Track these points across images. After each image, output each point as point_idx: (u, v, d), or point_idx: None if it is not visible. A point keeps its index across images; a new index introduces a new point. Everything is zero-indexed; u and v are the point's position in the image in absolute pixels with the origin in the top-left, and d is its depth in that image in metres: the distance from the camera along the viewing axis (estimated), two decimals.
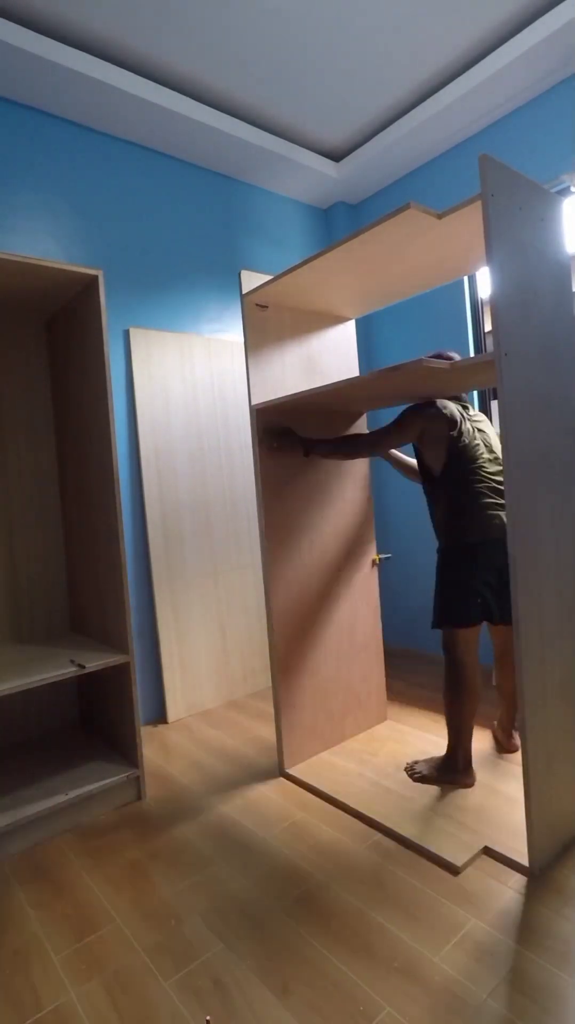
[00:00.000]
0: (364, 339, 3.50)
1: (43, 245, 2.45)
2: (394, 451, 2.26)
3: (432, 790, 1.90)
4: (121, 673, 2.04)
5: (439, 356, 1.88)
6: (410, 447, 2.00)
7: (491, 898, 1.44)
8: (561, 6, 2.19)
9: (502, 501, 1.82)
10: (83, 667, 1.87)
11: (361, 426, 2.40)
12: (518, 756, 2.07)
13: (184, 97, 2.55)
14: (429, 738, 2.29)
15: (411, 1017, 1.14)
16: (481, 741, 2.26)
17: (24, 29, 2.13)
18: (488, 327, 3.05)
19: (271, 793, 2.00)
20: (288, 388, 2.16)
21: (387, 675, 3.09)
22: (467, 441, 1.86)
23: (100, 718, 2.27)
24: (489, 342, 3.05)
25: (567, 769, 1.59)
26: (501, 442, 1.48)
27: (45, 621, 2.38)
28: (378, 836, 1.72)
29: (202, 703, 2.79)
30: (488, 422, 2.01)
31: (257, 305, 2.08)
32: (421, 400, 1.98)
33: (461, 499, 1.86)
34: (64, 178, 2.52)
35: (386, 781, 1.98)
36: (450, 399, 1.97)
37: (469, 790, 1.88)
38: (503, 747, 2.13)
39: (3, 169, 2.36)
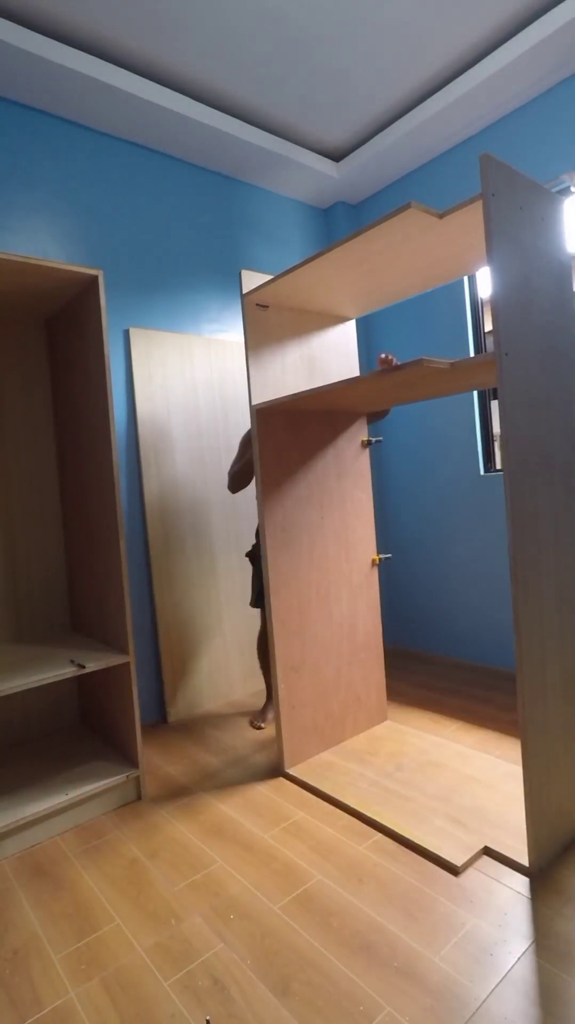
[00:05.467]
0: (364, 339, 3.50)
1: (43, 245, 2.45)
2: None
3: (432, 790, 1.90)
4: (121, 673, 2.04)
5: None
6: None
7: (491, 898, 1.44)
8: (561, 6, 2.19)
9: None
10: (83, 667, 1.87)
11: (361, 426, 2.40)
12: (518, 755, 2.07)
13: (184, 97, 2.55)
14: (429, 738, 2.29)
15: (411, 1017, 1.14)
16: (484, 741, 2.26)
17: (24, 29, 2.13)
18: (488, 327, 3.05)
19: (271, 793, 2.00)
20: (289, 388, 2.16)
21: (387, 675, 3.09)
22: None
23: (100, 718, 2.27)
24: (489, 342, 3.05)
25: (567, 769, 1.59)
26: (502, 442, 1.48)
27: (45, 621, 2.38)
28: (378, 836, 1.72)
29: (202, 703, 2.79)
30: None
31: (258, 305, 2.08)
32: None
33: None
34: (64, 178, 2.51)
35: (386, 781, 1.98)
36: None
37: (469, 790, 1.88)
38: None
39: (3, 169, 2.36)
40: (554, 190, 2.56)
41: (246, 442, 2.48)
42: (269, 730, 2.49)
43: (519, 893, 1.45)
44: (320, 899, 1.48)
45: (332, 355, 2.33)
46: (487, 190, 1.40)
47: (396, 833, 1.70)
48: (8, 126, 2.38)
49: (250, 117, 2.74)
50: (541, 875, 1.50)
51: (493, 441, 3.06)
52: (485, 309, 3.02)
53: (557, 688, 1.56)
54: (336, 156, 3.12)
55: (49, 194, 2.47)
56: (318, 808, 1.89)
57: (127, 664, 1.99)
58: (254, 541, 2.62)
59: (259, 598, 2.52)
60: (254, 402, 2.06)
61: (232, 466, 2.48)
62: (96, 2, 2.06)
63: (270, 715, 2.59)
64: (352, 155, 3.07)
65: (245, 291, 2.05)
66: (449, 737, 2.31)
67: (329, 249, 1.72)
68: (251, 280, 2.07)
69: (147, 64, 2.37)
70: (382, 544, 3.52)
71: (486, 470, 3.03)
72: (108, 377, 1.96)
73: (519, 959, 1.26)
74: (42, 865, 1.70)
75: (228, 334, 3.02)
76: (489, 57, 2.43)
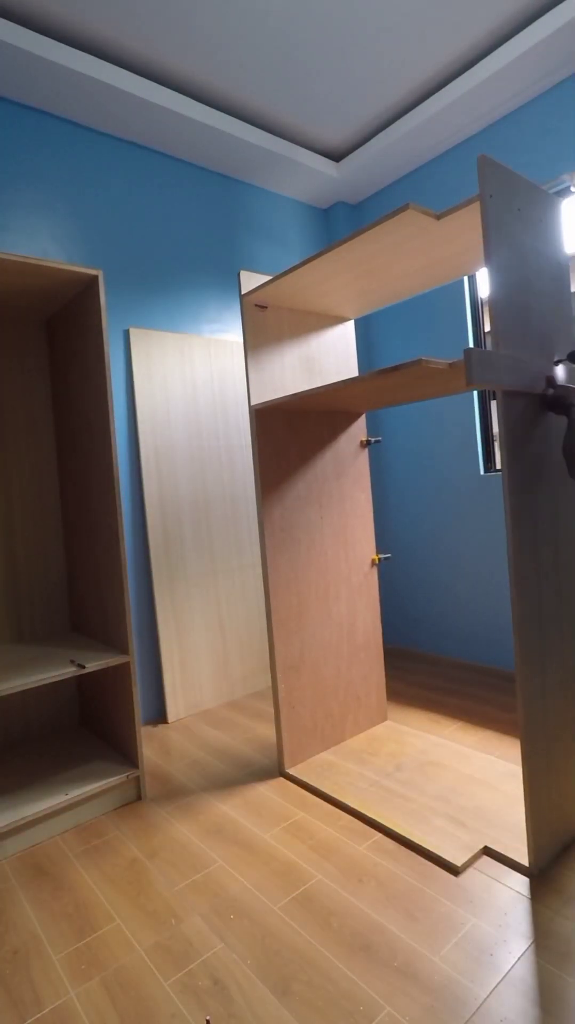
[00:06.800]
0: (364, 339, 3.51)
1: (42, 245, 2.45)
2: None
3: (432, 790, 1.90)
4: (121, 673, 2.04)
5: None
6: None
7: (491, 898, 1.44)
8: (561, 6, 2.19)
9: None
10: (83, 667, 1.87)
11: (360, 426, 2.40)
12: (518, 756, 2.07)
13: (184, 97, 2.55)
14: (429, 738, 2.29)
15: (411, 1017, 1.15)
16: (484, 741, 2.26)
17: (24, 29, 2.14)
18: (488, 327, 3.05)
19: (271, 793, 2.00)
20: (287, 388, 2.16)
21: (387, 675, 3.10)
22: None
23: (100, 718, 2.27)
24: (489, 342, 3.05)
25: (567, 769, 1.59)
26: (501, 442, 1.48)
27: (45, 621, 2.38)
28: (378, 836, 1.72)
29: (202, 703, 2.80)
30: None
31: (256, 305, 2.08)
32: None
33: None
34: (64, 178, 2.52)
35: (386, 781, 1.98)
36: None
37: (469, 790, 1.88)
38: None
39: (3, 169, 2.36)
40: (554, 190, 2.57)
41: None
42: (268, 730, 2.49)
43: (519, 893, 1.45)
44: (320, 899, 1.48)
45: (331, 355, 2.33)
46: (485, 191, 1.40)
47: (396, 833, 1.70)
48: (9, 126, 2.38)
49: (250, 117, 2.74)
50: (541, 875, 1.50)
51: (493, 441, 3.06)
52: (485, 309, 3.02)
53: (557, 688, 1.56)
54: (336, 156, 3.12)
55: (49, 194, 2.47)
56: (318, 808, 1.89)
57: (127, 664, 1.99)
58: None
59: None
60: (253, 402, 2.06)
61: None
62: (96, 2, 2.06)
63: None
64: (352, 155, 3.07)
65: (244, 291, 2.05)
66: (449, 737, 2.31)
67: (328, 250, 1.72)
68: (249, 281, 2.07)
69: (147, 64, 2.37)
70: (382, 544, 3.53)
71: (486, 470, 3.03)
72: (108, 377, 1.96)
73: (519, 959, 1.26)
74: (42, 865, 1.70)
75: (228, 334, 3.02)
76: (489, 57, 2.43)
